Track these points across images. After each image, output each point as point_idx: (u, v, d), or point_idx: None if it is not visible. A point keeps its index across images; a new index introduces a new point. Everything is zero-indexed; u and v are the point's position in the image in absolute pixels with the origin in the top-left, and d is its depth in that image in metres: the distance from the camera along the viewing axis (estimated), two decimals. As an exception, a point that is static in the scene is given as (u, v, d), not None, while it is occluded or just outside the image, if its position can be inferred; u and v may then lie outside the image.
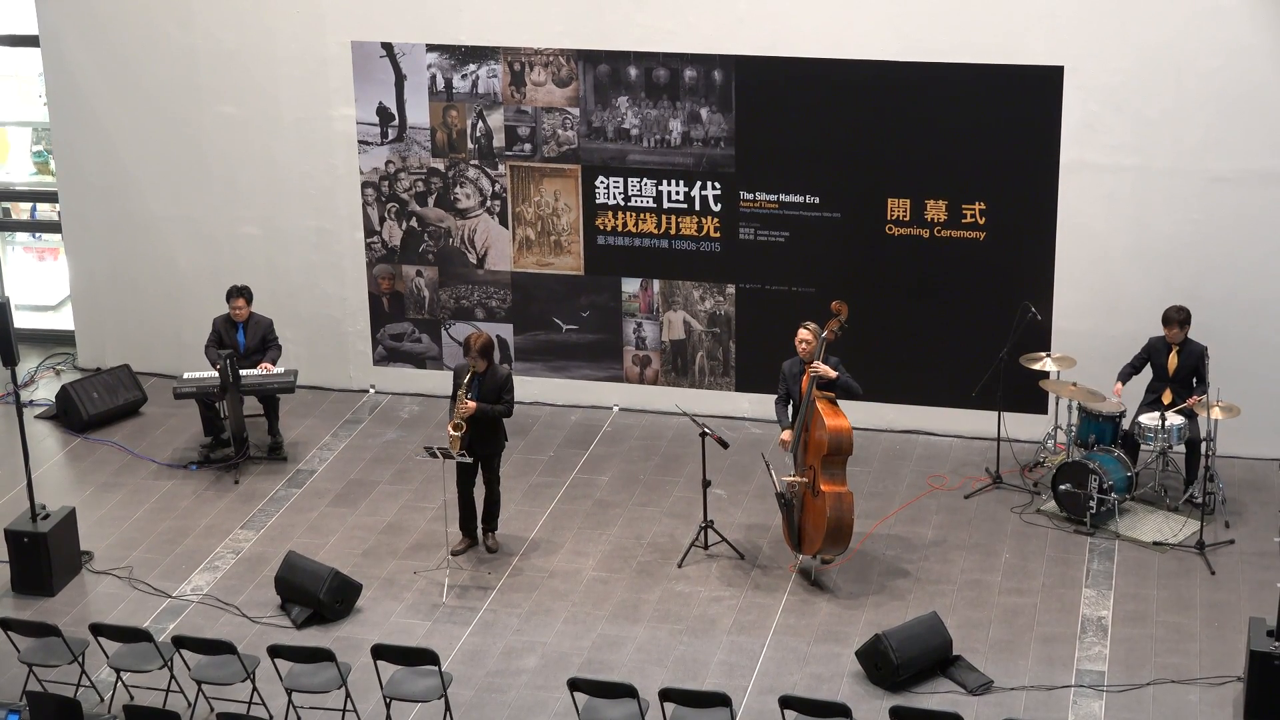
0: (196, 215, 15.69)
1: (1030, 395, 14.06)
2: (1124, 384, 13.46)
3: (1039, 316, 13.81)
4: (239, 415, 14.29)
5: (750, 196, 14.54)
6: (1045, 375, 13.77)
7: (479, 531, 13.15)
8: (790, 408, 12.68)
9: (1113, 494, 12.99)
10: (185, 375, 14.50)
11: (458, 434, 12.57)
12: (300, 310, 15.67)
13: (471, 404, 12.56)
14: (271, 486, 14.22)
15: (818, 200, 14.42)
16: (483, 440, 12.76)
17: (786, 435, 12.58)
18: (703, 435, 12.82)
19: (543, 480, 14.21)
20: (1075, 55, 13.52)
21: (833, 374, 12.28)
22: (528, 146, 14.86)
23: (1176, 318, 13.25)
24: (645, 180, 14.71)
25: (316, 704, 11.03)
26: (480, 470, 12.92)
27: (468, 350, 12.66)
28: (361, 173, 15.25)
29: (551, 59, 14.57)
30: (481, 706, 11.27)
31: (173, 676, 11.14)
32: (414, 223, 15.32)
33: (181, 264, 15.87)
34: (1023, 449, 14.20)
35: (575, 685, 10.47)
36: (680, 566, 12.86)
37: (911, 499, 13.73)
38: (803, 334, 12.48)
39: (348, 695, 10.88)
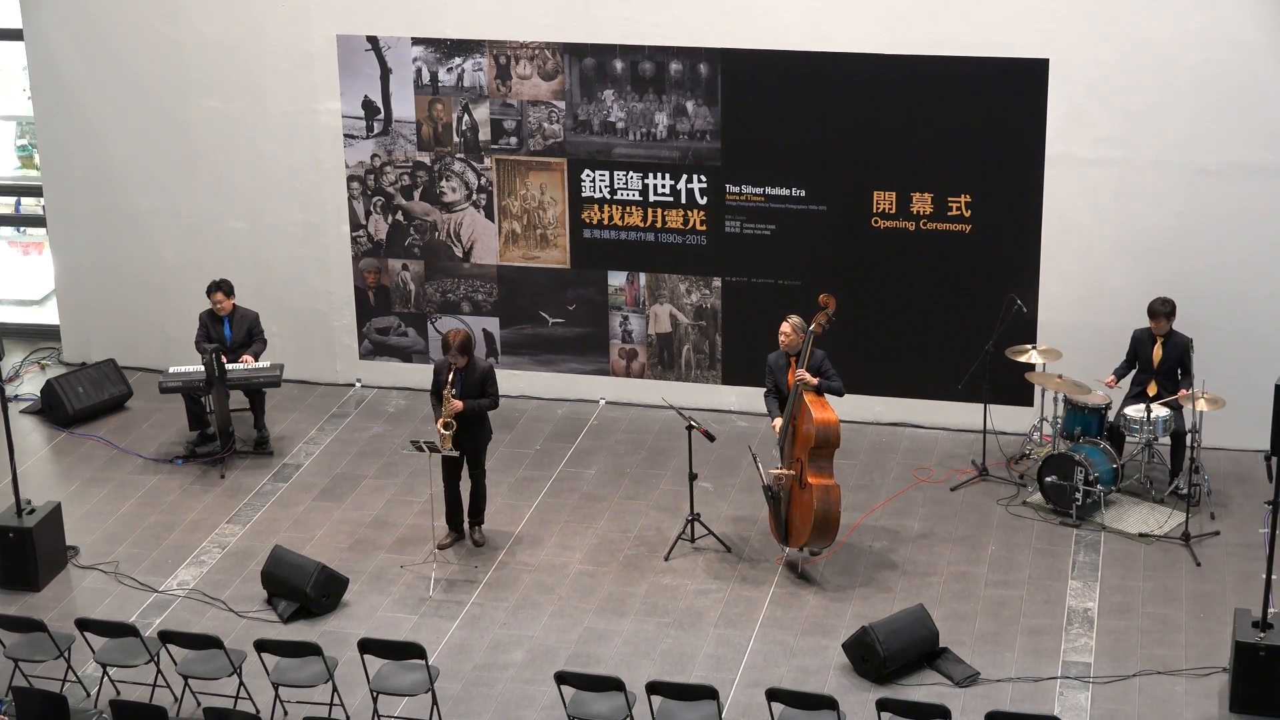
0: (182, 209, 15.67)
1: (1016, 388, 14.08)
2: (1118, 380, 13.49)
3: (1024, 309, 13.84)
4: (225, 410, 14.27)
5: (736, 190, 14.54)
6: (1031, 368, 13.80)
7: (465, 525, 13.15)
8: (779, 399, 12.68)
9: (1098, 486, 13.02)
10: (171, 370, 14.49)
11: (448, 432, 12.56)
12: (286, 304, 15.65)
13: (458, 402, 12.55)
14: (258, 481, 14.20)
15: (804, 193, 14.43)
16: (468, 434, 12.75)
17: (779, 424, 12.58)
18: (689, 428, 12.83)
19: (529, 474, 14.21)
20: (1061, 48, 13.53)
21: (813, 382, 12.29)
22: (513, 140, 14.85)
23: (1162, 310, 13.28)
24: (631, 174, 14.70)
25: (303, 698, 11.03)
26: (466, 464, 12.92)
27: (447, 348, 12.64)
28: (347, 166, 15.23)
29: (537, 52, 14.56)
30: (469, 700, 11.27)
31: (159, 671, 11.13)
32: (400, 216, 15.30)
33: (167, 258, 15.84)
34: (1008, 441, 14.23)
35: (562, 679, 10.47)
36: (667, 560, 12.87)
37: (898, 492, 13.74)
38: (785, 327, 12.50)
39: (335, 689, 10.88)
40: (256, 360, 14.45)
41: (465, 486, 13.03)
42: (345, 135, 15.14)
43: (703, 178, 14.58)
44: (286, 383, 14.96)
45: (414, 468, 14.06)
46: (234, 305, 14.58)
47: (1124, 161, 13.68)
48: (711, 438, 12.90)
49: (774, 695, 10.29)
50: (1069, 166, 13.78)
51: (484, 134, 14.88)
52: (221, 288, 14.46)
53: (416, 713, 11.00)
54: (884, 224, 14.31)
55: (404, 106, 14.95)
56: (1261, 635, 10.77)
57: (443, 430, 12.57)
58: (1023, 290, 13.94)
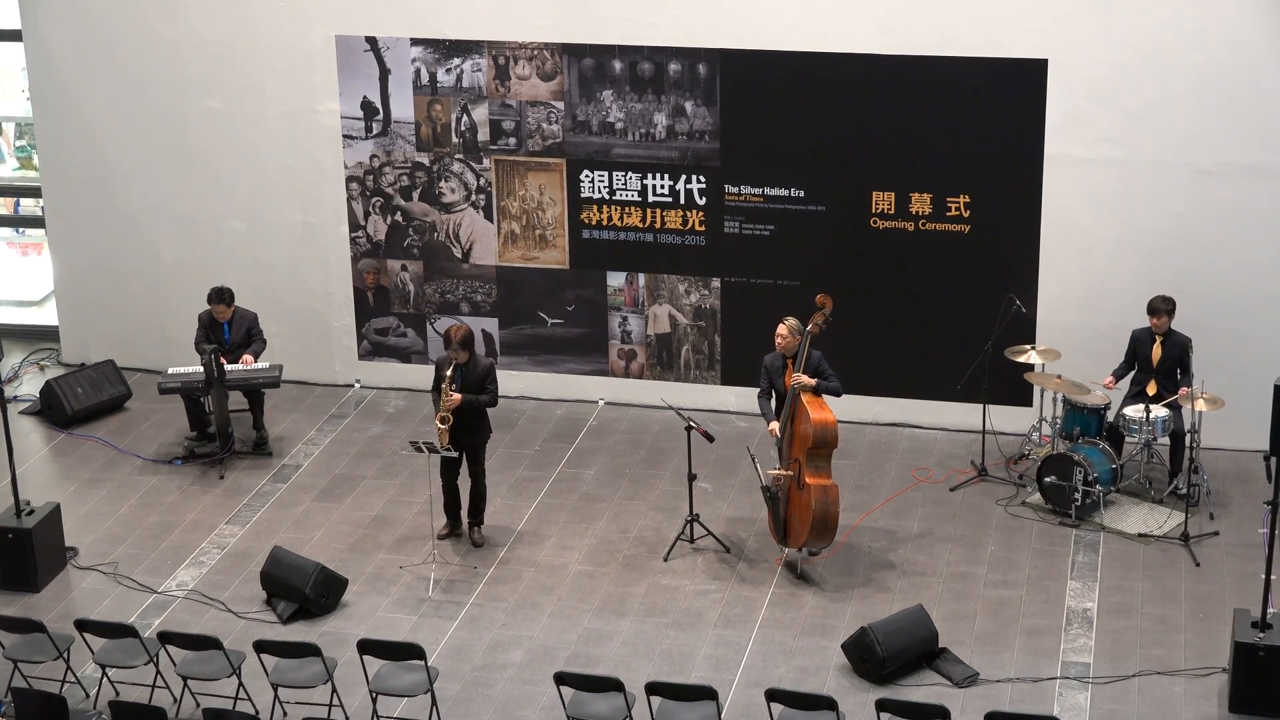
0: (181, 210, 15.66)
1: (1015, 388, 14.07)
2: (1117, 381, 13.49)
3: (1024, 309, 13.84)
4: (224, 410, 14.27)
5: (735, 190, 14.54)
6: (1030, 368, 13.80)
7: (464, 523, 13.15)
8: (774, 400, 12.69)
9: (1098, 486, 13.01)
10: (170, 370, 14.49)
11: (445, 427, 12.58)
12: (285, 305, 15.65)
13: (456, 396, 12.57)
14: (257, 481, 14.20)
15: (803, 194, 14.42)
16: (467, 431, 12.77)
17: (775, 426, 12.58)
18: (688, 429, 12.83)
19: (528, 474, 14.21)
20: (1060, 48, 13.53)
21: (811, 384, 12.29)
22: (512, 140, 14.85)
23: (1163, 307, 13.28)
24: (630, 174, 14.70)
25: (303, 699, 11.03)
26: (465, 462, 12.93)
27: (449, 343, 12.67)
28: (346, 167, 15.23)
29: (536, 53, 14.56)
30: (468, 701, 11.27)
31: (158, 672, 11.13)
32: (399, 217, 15.30)
33: (166, 259, 15.84)
34: (1008, 441, 14.22)
35: (561, 679, 10.47)
36: (666, 560, 12.87)
37: (897, 492, 13.74)
38: (781, 329, 12.49)
39: (334, 690, 10.87)
40: (256, 361, 14.45)
41: (464, 484, 13.03)
42: (344, 136, 15.14)
43: (702, 178, 14.57)
44: (285, 383, 14.96)
45: (413, 468, 14.05)
46: (235, 307, 14.58)
47: (1124, 161, 13.67)
48: (710, 438, 12.90)
49: (773, 696, 10.29)
50: (1068, 167, 13.78)
51: (483, 134, 14.88)
52: (223, 298, 14.43)
53: (415, 713, 11.00)
54: (883, 224, 14.30)
55: (403, 107, 14.95)
56: (1260, 635, 10.77)
57: (440, 425, 12.58)
58: (1022, 290, 13.94)
